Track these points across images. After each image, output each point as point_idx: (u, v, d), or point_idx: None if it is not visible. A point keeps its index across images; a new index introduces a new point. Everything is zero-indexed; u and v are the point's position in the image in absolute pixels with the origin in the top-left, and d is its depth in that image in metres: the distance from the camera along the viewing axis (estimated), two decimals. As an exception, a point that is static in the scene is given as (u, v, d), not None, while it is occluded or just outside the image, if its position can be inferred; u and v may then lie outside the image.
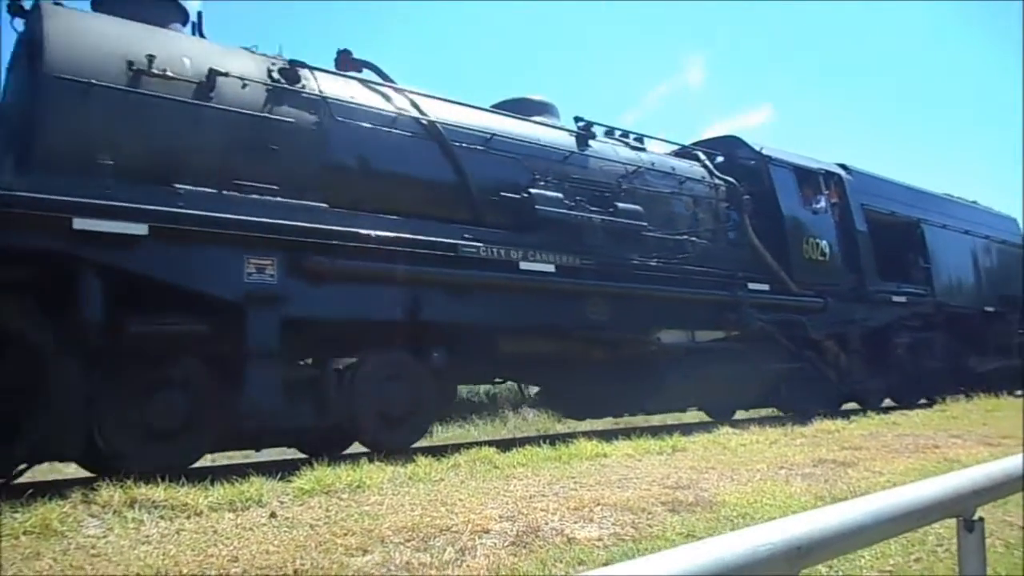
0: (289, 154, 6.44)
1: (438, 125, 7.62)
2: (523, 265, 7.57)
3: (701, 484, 4.88)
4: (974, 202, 16.85)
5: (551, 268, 7.78)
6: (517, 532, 3.64)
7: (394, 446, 6.39)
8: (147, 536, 3.47)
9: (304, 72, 6.95)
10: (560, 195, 8.12)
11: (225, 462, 7.11)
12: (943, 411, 11.06)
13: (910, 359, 12.81)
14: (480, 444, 6.67)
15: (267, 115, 6.46)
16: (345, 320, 6.49)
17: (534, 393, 12.25)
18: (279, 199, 6.20)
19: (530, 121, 8.89)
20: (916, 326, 13.03)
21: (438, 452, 5.95)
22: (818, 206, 11.67)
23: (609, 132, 9.95)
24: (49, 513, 3.63)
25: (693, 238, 9.52)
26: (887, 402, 13.85)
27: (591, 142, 9.24)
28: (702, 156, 11.12)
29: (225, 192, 5.95)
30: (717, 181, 10.73)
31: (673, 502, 4.33)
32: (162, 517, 3.82)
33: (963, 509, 2.26)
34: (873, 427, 8.80)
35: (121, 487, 4.12)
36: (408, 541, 3.45)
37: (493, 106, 9.14)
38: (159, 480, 4.34)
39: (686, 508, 4.24)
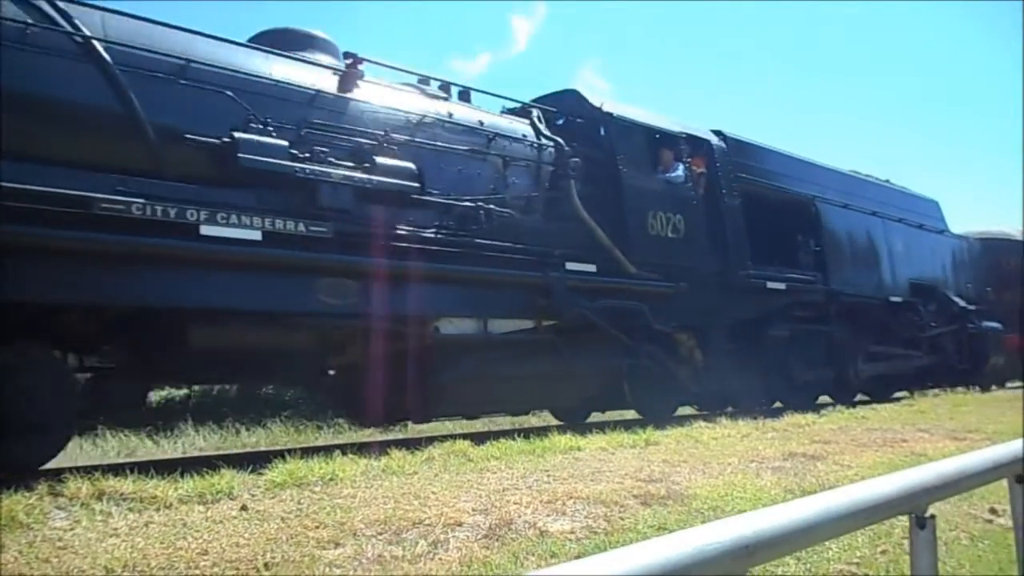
0: None
1: (97, 43, 5.67)
2: (205, 230, 5.78)
3: (673, 477, 4.92)
4: (887, 181, 15.54)
5: (255, 235, 6.03)
6: (490, 525, 3.64)
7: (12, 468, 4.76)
8: (115, 529, 3.43)
9: None
10: (286, 143, 6.34)
11: (196, 454, 7.05)
12: (911, 406, 11.24)
13: (790, 356, 11.23)
14: (455, 437, 6.67)
15: None
16: None
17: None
18: None
19: (285, 56, 7.03)
20: (804, 317, 11.53)
21: (412, 445, 5.94)
22: (674, 175, 9.93)
23: (424, 81, 8.32)
24: (14, 505, 3.57)
25: (492, 206, 7.66)
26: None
27: (363, 84, 7.35)
28: (536, 114, 9.08)
29: None
30: (544, 142, 8.77)
31: (645, 495, 4.36)
32: (131, 510, 3.78)
33: (915, 506, 2.29)
34: (843, 421, 8.93)
35: (89, 479, 4.06)
36: (380, 534, 3.44)
37: (250, 39, 7.33)
38: (128, 472, 4.28)
39: (658, 501, 4.28)
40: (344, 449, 5.49)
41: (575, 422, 9.39)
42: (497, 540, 3.47)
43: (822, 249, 12.07)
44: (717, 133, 11.01)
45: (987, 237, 19.28)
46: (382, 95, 7.52)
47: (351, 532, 3.44)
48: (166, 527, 3.46)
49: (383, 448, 5.70)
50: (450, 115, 7.92)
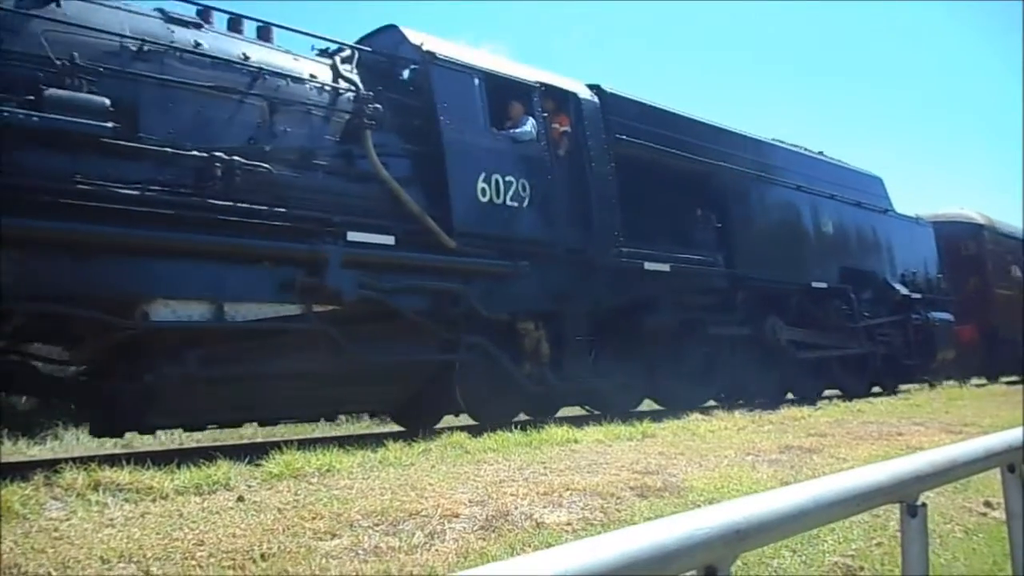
0: None
1: None
2: None
3: (669, 470, 4.93)
4: (820, 153, 13.73)
5: None
6: (487, 516, 3.65)
7: None
8: (111, 519, 3.43)
9: None
10: None
11: (193, 445, 7.04)
12: (907, 399, 11.27)
13: (677, 351, 9.58)
14: (452, 429, 6.68)
15: None
16: None
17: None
18: None
19: None
20: (698, 305, 9.87)
21: (409, 437, 5.94)
22: (520, 131, 8.10)
23: (205, 14, 6.67)
24: (10, 495, 3.56)
25: (239, 158, 5.99)
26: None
27: (66, 3, 5.68)
28: (344, 55, 7.46)
29: None
30: (342, 85, 7.06)
31: (642, 487, 4.37)
32: (127, 500, 3.77)
33: (906, 494, 2.30)
34: (839, 415, 8.96)
35: (85, 469, 4.06)
36: (377, 525, 3.44)
37: None
38: (124, 463, 4.28)
39: (654, 493, 4.29)
40: (341, 441, 5.49)
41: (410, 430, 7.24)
42: (494, 531, 3.47)
43: (728, 227, 10.38)
44: (593, 88, 9.19)
45: (942, 220, 17.54)
46: (87, 15, 5.80)
47: (348, 523, 3.44)
48: (162, 518, 3.46)
49: (380, 440, 5.70)
50: (196, 44, 6.26)
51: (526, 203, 7.85)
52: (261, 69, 6.53)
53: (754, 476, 4.88)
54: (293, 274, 6.23)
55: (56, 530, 3.22)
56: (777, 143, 12.58)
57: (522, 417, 8.33)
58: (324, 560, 3.02)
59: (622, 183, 8.91)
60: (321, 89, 6.96)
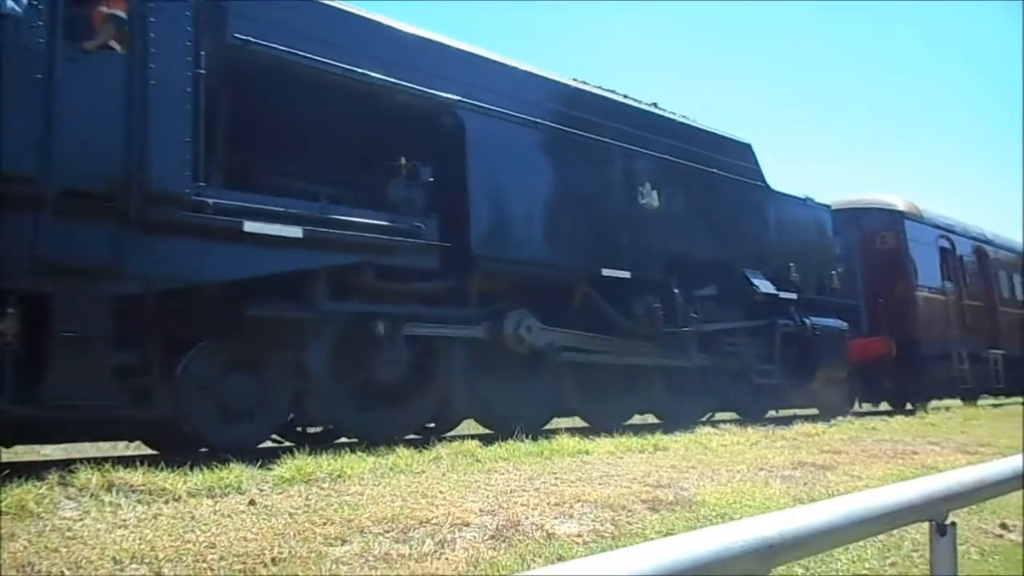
0: None
1: None
2: None
3: (681, 483, 4.90)
4: (654, 104, 10.32)
5: None
6: (497, 526, 3.64)
7: None
8: (124, 520, 3.44)
9: None
10: None
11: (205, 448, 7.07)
12: (922, 418, 11.16)
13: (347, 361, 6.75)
14: (464, 437, 6.67)
15: None
16: None
17: None
18: None
19: None
20: (391, 293, 6.95)
21: (420, 444, 5.94)
22: None
23: None
24: (25, 494, 3.59)
25: None
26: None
27: None
28: None
29: None
30: None
31: (653, 500, 4.34)
32: (140, 501, 3.79)
33: (935, 513, 2.29)
34: (853, 432, 8.88)
35: (99, 470, 4.08)
36: (387, 532, 3.44)
37: None
38: (137, 464, 4.30)
39: (666, 507, 4.26)
40: (352, 446, 5.50)
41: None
42: (504, 541, 3.46)
43: (458, 185, 7.40)
44: None
45: (854, 207, 14.61)
46: None
47: (358, 529, 3.44)
48: (175, 520, 3.48)
49: (391, 446, 5.71)
50: None
51: None
52: None
53: (767, 492, 4.84)
54: None
55: (70, 530, 3.24)
56: (573, 83, 9.33)
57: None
58: (334, 566, 3.02)
59: (245, 106, 6.41)
60: None
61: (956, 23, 65.97)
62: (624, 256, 8.84)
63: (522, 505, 4.03)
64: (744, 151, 11.22)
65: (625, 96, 9.91)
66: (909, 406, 13.92)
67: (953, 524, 2.32)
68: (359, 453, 5.22)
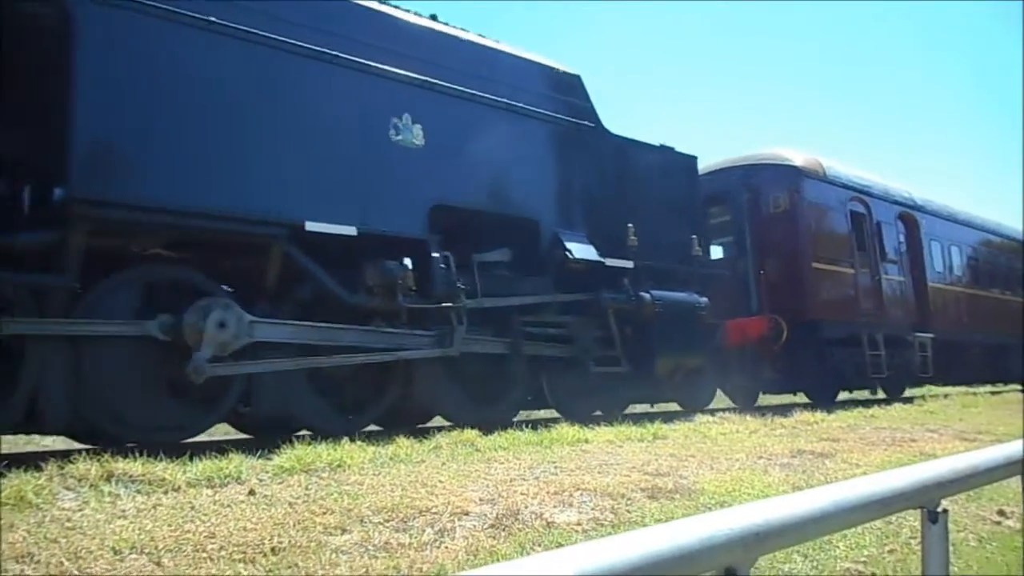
0: None
1: None
2: None
3: (681, 472, 4.91)
4: (433, 17, 8.00)
5: None
6: (497, 515, 3.64)
7: None
8: (123, 510, 3.44)
9: None
10: None
11: (205, 438, 7.08)
12: (921, 406, 11.18)
13: None
14: (463, 426, 6.68)
15: None
16: None
17: None
18: None
19: None
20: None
21: (420, 433, 5.94)
22: None
23: None
24: (24, 485, 3.58)
25: None
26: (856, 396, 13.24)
27: None
28: None
29: None
30: None
31: (652, 489, 4.35)
32: (139, 492, 3.79)
33: (927, 500, 2.28)
34: (852, 420, 8.90)
35: (98, 461, 4.08)
36: (387, 521, 3.44)
37: None
38: (137, 454, 4.30)
39: (665, 495, 4.27)
40: (352, 436, 5.50)
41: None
42: (504, 530, 3.46)
43: (41, 92, 5.48)
44: None
45: (744, 164, 12.55)
46: None
47: (358, 519, 3.44)
48: (174, 510, 3.47)
49: (391, 436, 5.72)
50: None
51: None
52: None
53: (766, 480, 4.85)
54: None
55: (69, 520, 3.24)
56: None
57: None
58: (334, 555, 3.02)
59: None
60: None
61: (956, 23, 65.79)
62: (353, 207, 6.64)
63: (522, 494, 4.03)
64: (568, 84, 8.92)
65: (395, 6, 7.61)
66: (808, 400, 12.14)
67: (945, 511, 2.31)
68: (359, 443, 5.22)
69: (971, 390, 15.13)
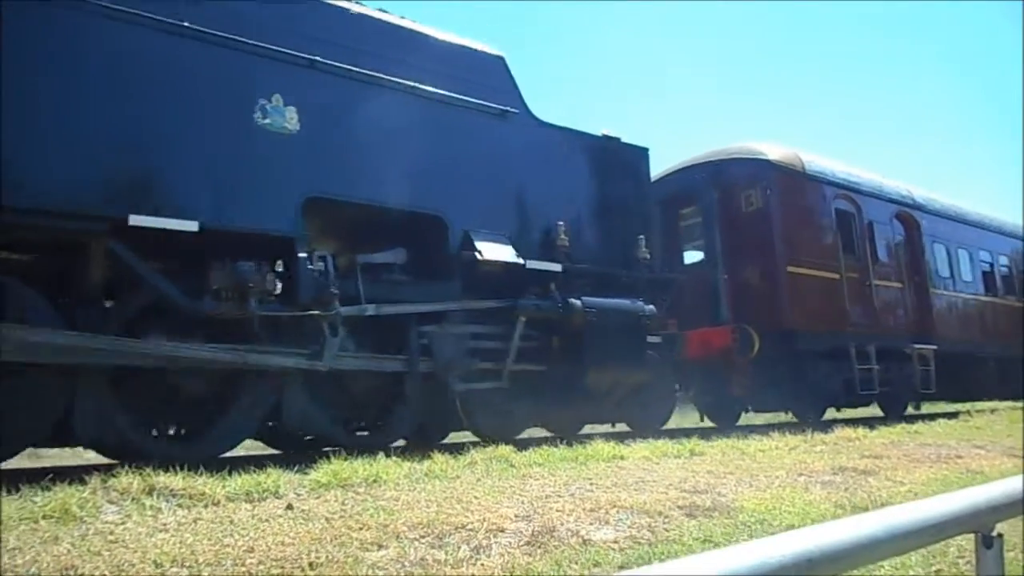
0: None
1: None
2: None
3: (719, 489, 4.84)
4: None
5: None
6: (532, 532, 3.62)
7: None
8: (164, 524, 3.49)
9: None
10: None
11: (242, 453, 7.16)
12: (967, 421, 10.89)
13: None
14: (497, 443, 6.66)
15: None
16: None
17: None
18: None
19: None
20: None
21: (455, 449, 5.94)
22: None
23: None
24: (68, 498, 3.66)
25: None
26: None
27: None
28: None
29: None
30: None
31: (690, 506, 4.29)
32: (180, 506, 3.85)
33: (981, 524, 2.22)
34: (895, 436, 8.69)
35: (140, 475, 4.15)
36: (423, 537, 3.44)
37: None
38: (177, 469, 4.37)
39: (703, 513, 4.20)
40: (388, 451, 5.53)
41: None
42: (539, 547, 3.44)
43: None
44: None
45: (705, 161, 11.65)
46: None
47: (394, 534, 3.44)
48: (214, 524, 3.52)
49: (426, 451, 5.73)
50: None
51: None
52: None
53: (807, 498, 4.75)
54: None
55: (111, 533, 3.29)
56: None
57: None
58: (370, 571, 3.03)
59: None
60: None
61: (956, 23, 64.67)
62: (200, 200, 5.77)
63: (557, 511, 4.00)
64: (486, 65, 7.98)
65: None
66: (792, 417, 11.17)
67: (1000, 536, 2.25)
68: (394, 458, 5.24)
69: (1017, 405, 14.57)
